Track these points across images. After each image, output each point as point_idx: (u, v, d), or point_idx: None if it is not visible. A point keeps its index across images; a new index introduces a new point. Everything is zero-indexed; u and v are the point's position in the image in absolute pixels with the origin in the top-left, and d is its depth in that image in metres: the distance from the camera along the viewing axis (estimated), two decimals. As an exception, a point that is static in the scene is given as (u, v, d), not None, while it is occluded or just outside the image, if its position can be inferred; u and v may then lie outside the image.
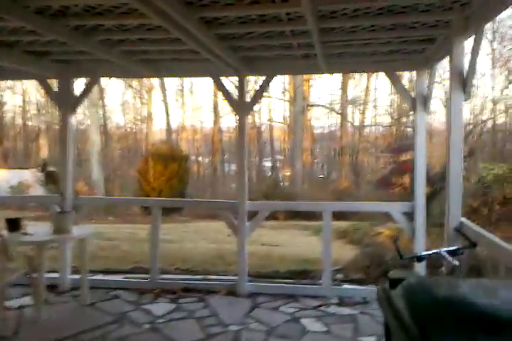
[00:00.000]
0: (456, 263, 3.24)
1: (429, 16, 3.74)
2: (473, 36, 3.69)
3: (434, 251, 3.39)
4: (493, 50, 24.45)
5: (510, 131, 25.94)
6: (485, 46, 23.51)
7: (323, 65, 5.16)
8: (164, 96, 29.38)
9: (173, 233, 12.09)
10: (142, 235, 11.81)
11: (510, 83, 24.77)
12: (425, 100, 5.20)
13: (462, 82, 3.76)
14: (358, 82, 29.64)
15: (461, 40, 3.73)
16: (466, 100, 3.80)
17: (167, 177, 17.89)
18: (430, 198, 13.83)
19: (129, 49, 4.77)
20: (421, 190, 5.28)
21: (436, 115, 26.66)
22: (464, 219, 3.94)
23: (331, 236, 5.62)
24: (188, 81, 31.08)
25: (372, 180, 24.60)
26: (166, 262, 7.47)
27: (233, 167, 31.92)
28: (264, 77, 5.53)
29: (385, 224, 12.99)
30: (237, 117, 5.49)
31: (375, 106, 29.07)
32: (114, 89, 42.36)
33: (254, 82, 21.26)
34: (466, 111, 26.65)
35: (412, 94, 5.35)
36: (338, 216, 21.05)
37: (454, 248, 3.42)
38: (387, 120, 28.74)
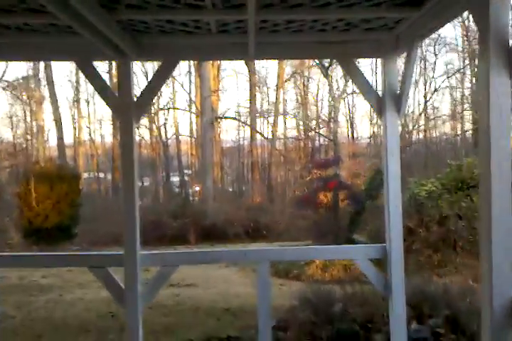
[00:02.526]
0: None
1: None
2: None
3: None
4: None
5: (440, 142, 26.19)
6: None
7: (252, 44, 3.39)
8: (55, 107, 26.16)
9: (55, 273, 9.60)
10: (14, 280, 9.23)
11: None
12: (398, 98, 3.62)
13: (507, 53, 2.16)
14: (265, 95, 28.80)
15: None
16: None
17: (54, 201, 15.14)
18: (356, 217, 12.67)
19: None
20: (396, 225, 3.66)
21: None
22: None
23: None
24: (84, 89, 28.17)
25: (289, 194, 23.40)
26: (26, 335, 5.23)
27: (139, 183, 29.32)
28: (159, 63, 3.65)
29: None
30: (119, 124, 3.54)
31: (285, 119, 28.22)
32: (-2, 100, 37.82)
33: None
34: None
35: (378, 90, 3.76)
36: (253, 236, 19.46)
37: None
38: (296, 133, 28.04)
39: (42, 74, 26.56)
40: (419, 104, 26.23)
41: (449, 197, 9.88)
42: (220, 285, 8.48)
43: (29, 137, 27.59)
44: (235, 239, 17.54)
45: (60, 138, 26.10)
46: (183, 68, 28.06)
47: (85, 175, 28.50)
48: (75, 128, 28.50)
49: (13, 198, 19.73)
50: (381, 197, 12.45)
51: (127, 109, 3.55)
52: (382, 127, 3.74)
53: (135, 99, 3.60)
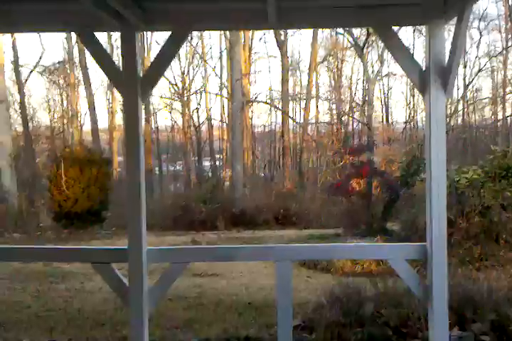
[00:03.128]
0: None
1: None
2: None
3: None
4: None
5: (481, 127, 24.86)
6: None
7: (272, 9, 2.91)
8: (89, 91, 26.20)
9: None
10: (40, 266, 9.07)
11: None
12: (445, 72, 3.08)
13: None
14: (297, 78, 28.10)
15: None
16: None
17: (84, 185, 15.08)
18: (390, 205, 12.07)
19: None
20: (440, 221, 3.15)
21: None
22: None
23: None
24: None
25: (320, 181, 22.83)
26: (39, 328, 4.99)
27: (171, 167, 29.43)
28: (168, 33, 3.21)
29: (345, 237, 10.94)
30: (122, 101, 3.15)
31: (317, 103, 27.48)
32: (36, 85, 38.54)
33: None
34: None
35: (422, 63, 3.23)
36: (282, 222, 19.00)
37: None
38: (329, 117, 27.33)
39: (77, 59, 26.65)
40: (457, 88, 25.04)
41: (493, 186, 9.15)
42: (245, 277, 8.13)
43: (65, 121, 27.86)
44: (264, 225, 17.18)
45: (94, 122, 26.22)
46: (215, 52, 27.64)
47: (119, 158, 28.65)
48: (109, 112, 28.59)
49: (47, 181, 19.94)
50: (417, 184, 11.84)
51: (132, 84, 3.14)
52: (425, 106, 3.22)
53: (141, 74, 3.19)
